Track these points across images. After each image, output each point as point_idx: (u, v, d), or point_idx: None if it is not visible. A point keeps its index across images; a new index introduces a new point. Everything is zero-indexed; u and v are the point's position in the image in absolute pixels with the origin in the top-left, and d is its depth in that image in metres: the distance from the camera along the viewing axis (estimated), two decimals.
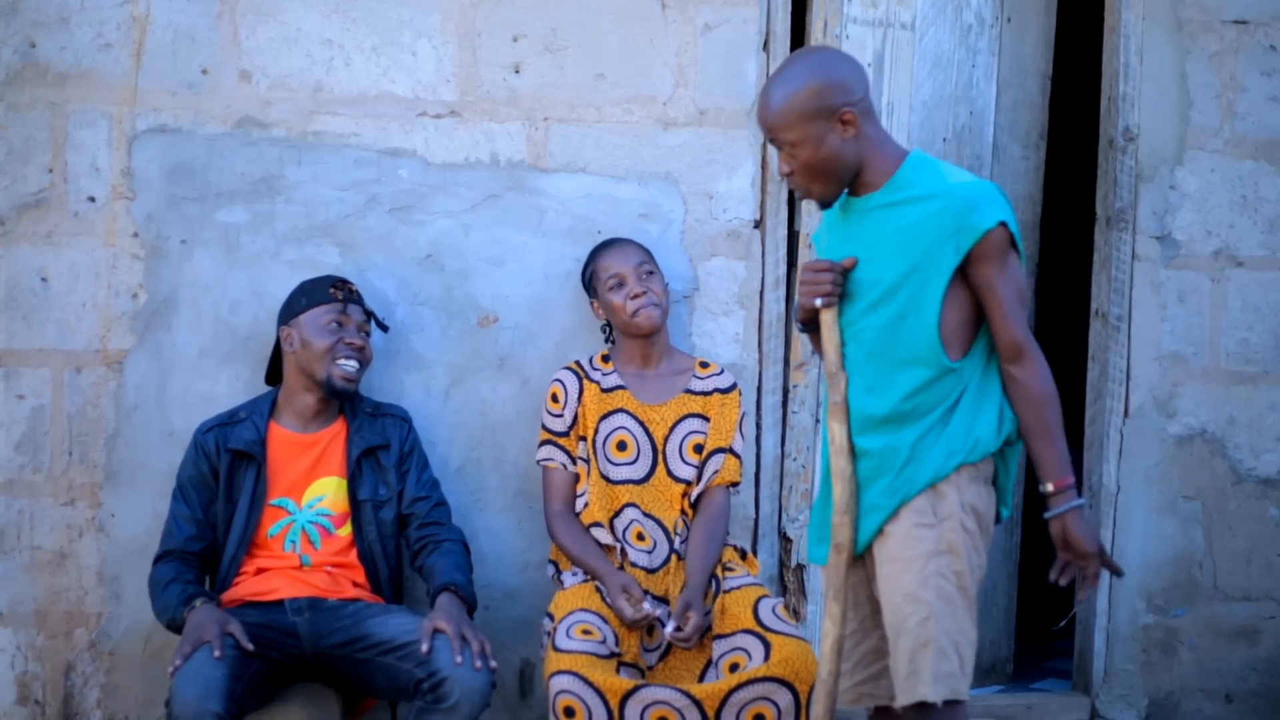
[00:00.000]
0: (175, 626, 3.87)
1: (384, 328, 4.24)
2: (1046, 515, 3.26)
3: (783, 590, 4.64)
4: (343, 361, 4.03)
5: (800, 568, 4.64)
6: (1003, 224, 3.23)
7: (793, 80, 3.30)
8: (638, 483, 4.16)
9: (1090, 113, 4.94)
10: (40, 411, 4.28)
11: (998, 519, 3.39)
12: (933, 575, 3.22)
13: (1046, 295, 5.16)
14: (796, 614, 4.60)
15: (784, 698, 3.81)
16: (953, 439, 3.27)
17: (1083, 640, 4.85)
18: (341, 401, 4.10)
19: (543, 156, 4.43)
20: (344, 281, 4.14)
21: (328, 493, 4.06)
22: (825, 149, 3.29)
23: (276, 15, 4.32)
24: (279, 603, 3.94)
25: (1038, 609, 5.58)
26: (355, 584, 4.05)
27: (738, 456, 4.22)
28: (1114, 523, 4.73)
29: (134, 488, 4.30)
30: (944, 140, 4.73)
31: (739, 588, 4.09)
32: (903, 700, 3.26)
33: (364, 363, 4.09)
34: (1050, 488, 3.26)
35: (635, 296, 4.16)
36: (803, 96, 3.27)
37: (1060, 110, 5.13)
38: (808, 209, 4.56)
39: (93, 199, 4.28)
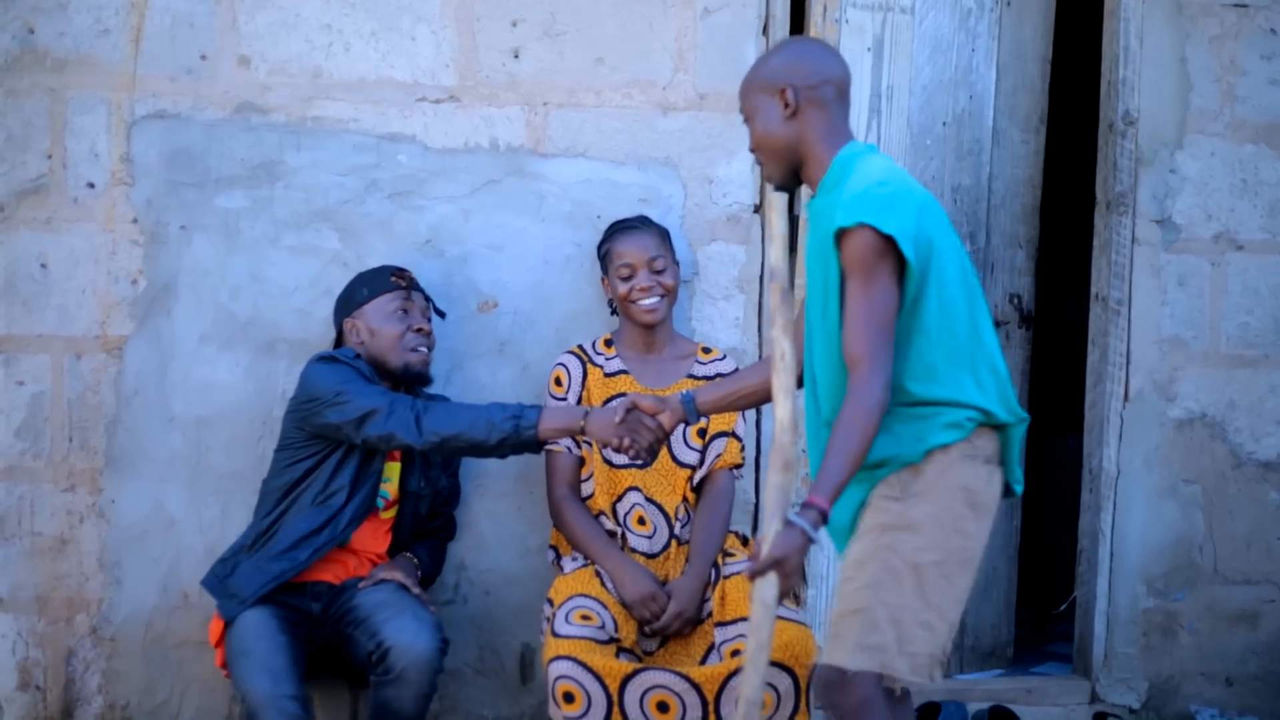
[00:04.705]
0: (517, 440, 3.75)
1: (441, 314, 4.23)
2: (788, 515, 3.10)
3: None
4: (416, 347, 4.05)
5: None
6: (863, 225, 3.12)
7: (763, 56, 3.45)
8: (641, 467, 4.15)
9: (1090, 97, 4.93)
10: (40, 397, 4.28)
11: (1008, 493, 3.34)
12: (883, 548, 3.16)
13: (1047, 279, 5.16)
14: (797, 598, 4.60)
15: (784, 682, 3.81)
16: (918, 425, 3.19)
17: (1083, 624, 4.85)
18: (414, 386, 4.10)
19: (542, 141, 4.42)
20: (402, 270, 4.14)
21: (393, 477, 4.08)
22: (764, 123, 3.34)
23: (275, 0, 4.31)
24: (301, 585, 3.95)
25: (1038, 593, 5.58)
26: (373, 563, 4.08)
27: (740, 440, 4.23)
28: (1114, 507, 4.73)
29: (134, 473, 4.30)
30: (943, 124, 4.72)
31: (740, 573, 4.09)
32: (823, 659, 3.17)
33: (430, 348, 4.11)
34: (805, 499, 3.10)
35: (642, 290, 4.16)
36: (759, 69, 3.40)
37: (1060, 94, 5.12)
38: (808, 193, 4.54)
39: (92, 185, 4.28)
